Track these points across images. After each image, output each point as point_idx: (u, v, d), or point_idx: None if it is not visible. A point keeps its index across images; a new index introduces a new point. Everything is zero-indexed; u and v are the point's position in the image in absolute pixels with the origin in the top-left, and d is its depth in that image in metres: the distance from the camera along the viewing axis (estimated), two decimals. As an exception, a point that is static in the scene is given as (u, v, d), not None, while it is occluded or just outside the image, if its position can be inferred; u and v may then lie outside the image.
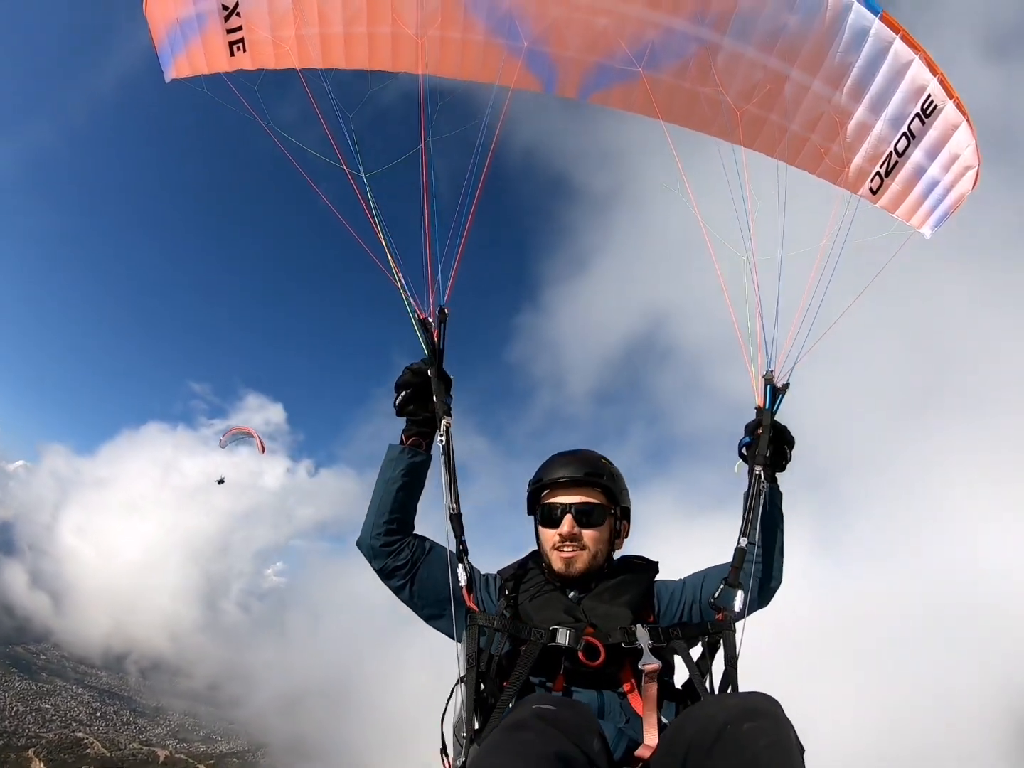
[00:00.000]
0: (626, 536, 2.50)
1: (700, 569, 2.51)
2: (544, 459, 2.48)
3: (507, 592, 2.29)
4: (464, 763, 1.96)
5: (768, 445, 2.52)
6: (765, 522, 2.41)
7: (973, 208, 3.16)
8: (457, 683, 2.10)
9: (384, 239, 2.62)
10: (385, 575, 2.31)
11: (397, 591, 2.33)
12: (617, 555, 2.47)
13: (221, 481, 34.27)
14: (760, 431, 2.56)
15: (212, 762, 60.74)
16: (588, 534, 2.30)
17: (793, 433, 2.60)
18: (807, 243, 3.02)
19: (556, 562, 2.31)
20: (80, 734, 64.11)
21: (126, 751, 62.89)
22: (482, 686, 2.05)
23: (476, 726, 2.01)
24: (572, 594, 2.30)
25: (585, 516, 2.30)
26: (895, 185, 3.19)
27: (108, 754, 60.69)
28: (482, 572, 2.42)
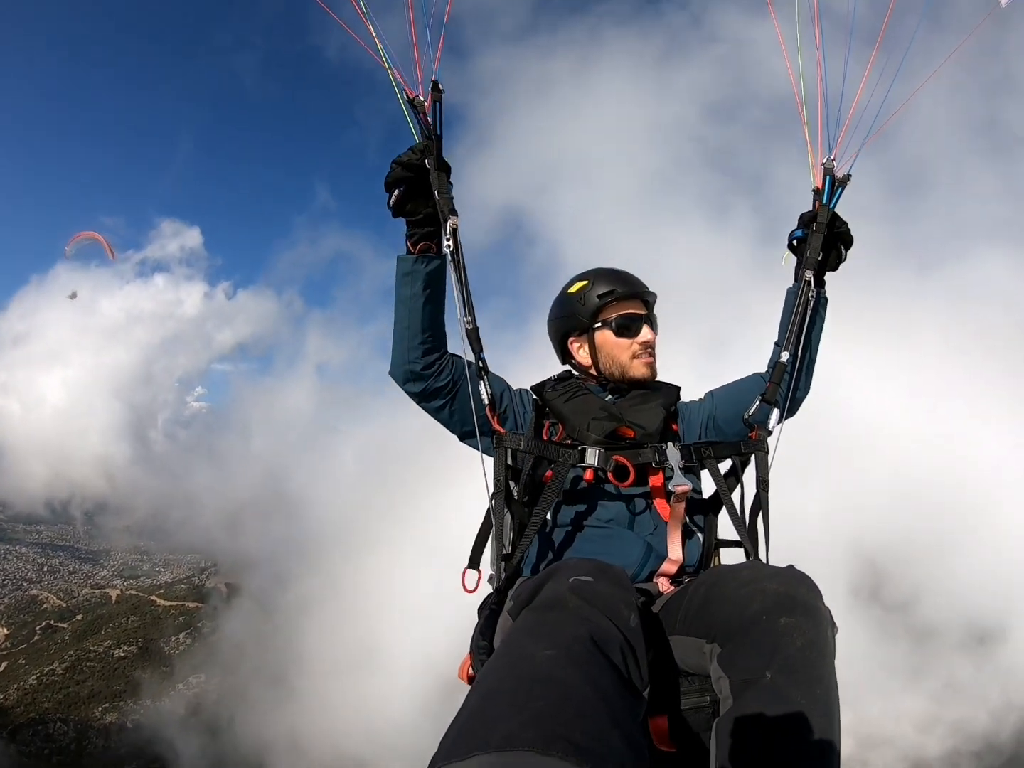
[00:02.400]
0: None
1: (714, 388, 2.52)
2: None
3: (539, 403, 2.33)
4: (497, 575, 2.10)
5: (820, 248, 2.28)
6: (806, 331, 2.32)
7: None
8: (491, 498, 2.15)
9: None
10: (425, 397, 2.22)
11: (436, 411, 2.26)
12: None
13: (73, 296, 33.32)
14: (814, 228, 2.29)
15: (162, 591, 65.11)
16: (656, 342, 2.44)
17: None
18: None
19: (639, 369, 2.36)
20: (34, 591, 66.99)
21: (80, 598, 66.35)
22: (509, 509, 2.11)
23: (508, 549, 2.10)
24: (608, 397, 2.36)
25: (654, 325, 2.43)
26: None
27: (64, 604, 64.18)
28: (514, 388, 2.39)
